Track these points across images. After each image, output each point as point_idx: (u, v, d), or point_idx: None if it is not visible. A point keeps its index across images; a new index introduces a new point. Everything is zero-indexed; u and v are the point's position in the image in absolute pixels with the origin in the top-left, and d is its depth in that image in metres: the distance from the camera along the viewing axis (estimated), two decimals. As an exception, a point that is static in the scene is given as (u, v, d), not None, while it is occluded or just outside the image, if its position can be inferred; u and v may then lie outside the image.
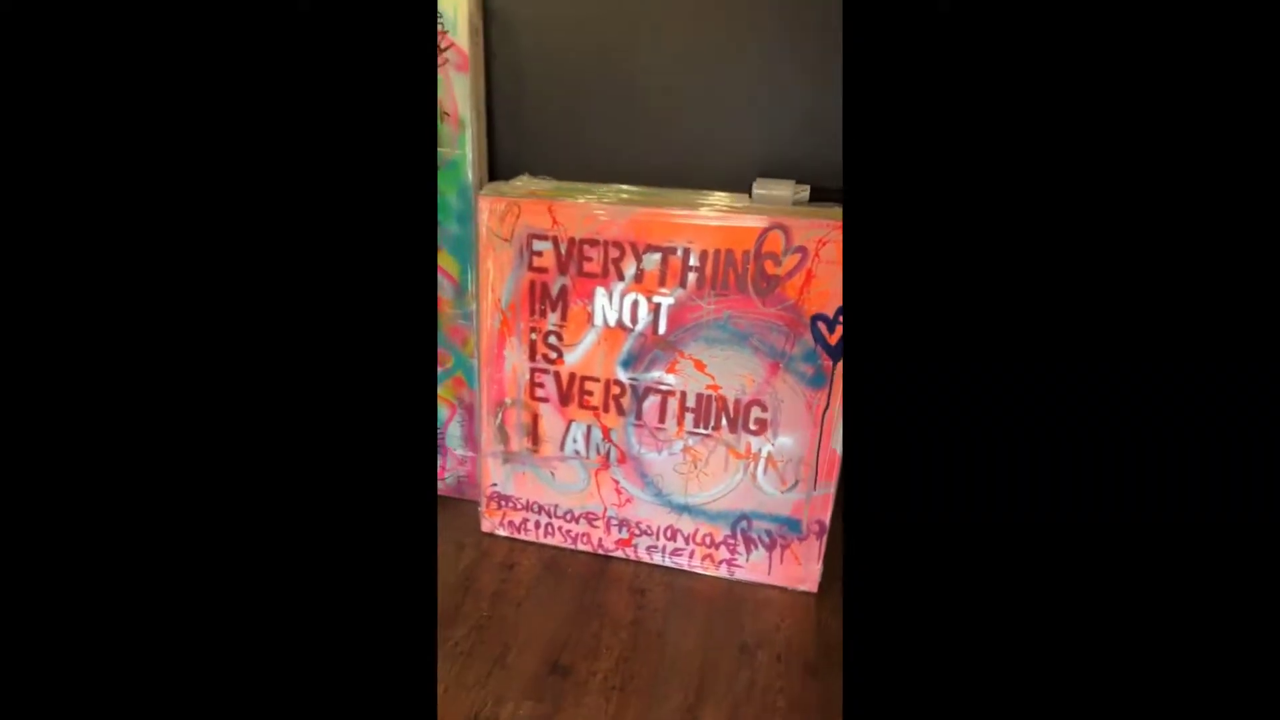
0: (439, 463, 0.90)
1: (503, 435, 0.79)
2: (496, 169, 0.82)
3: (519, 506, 0.81)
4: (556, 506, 0.80)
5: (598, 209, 0.68)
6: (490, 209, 0.70)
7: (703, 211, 0.66)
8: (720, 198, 0.71)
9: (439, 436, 0.88)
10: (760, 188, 0.71)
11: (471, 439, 0.88)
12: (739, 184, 0.75)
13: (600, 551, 0.80)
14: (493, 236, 0.71)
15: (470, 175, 0.76)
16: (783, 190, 0.70)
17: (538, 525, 0.81)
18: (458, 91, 0.74)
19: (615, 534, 0.79)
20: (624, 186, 0.77)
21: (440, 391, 0.86)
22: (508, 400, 0.77)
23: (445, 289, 0.81)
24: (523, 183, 0.78)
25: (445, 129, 0.75)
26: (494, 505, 0.82)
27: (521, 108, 0.80)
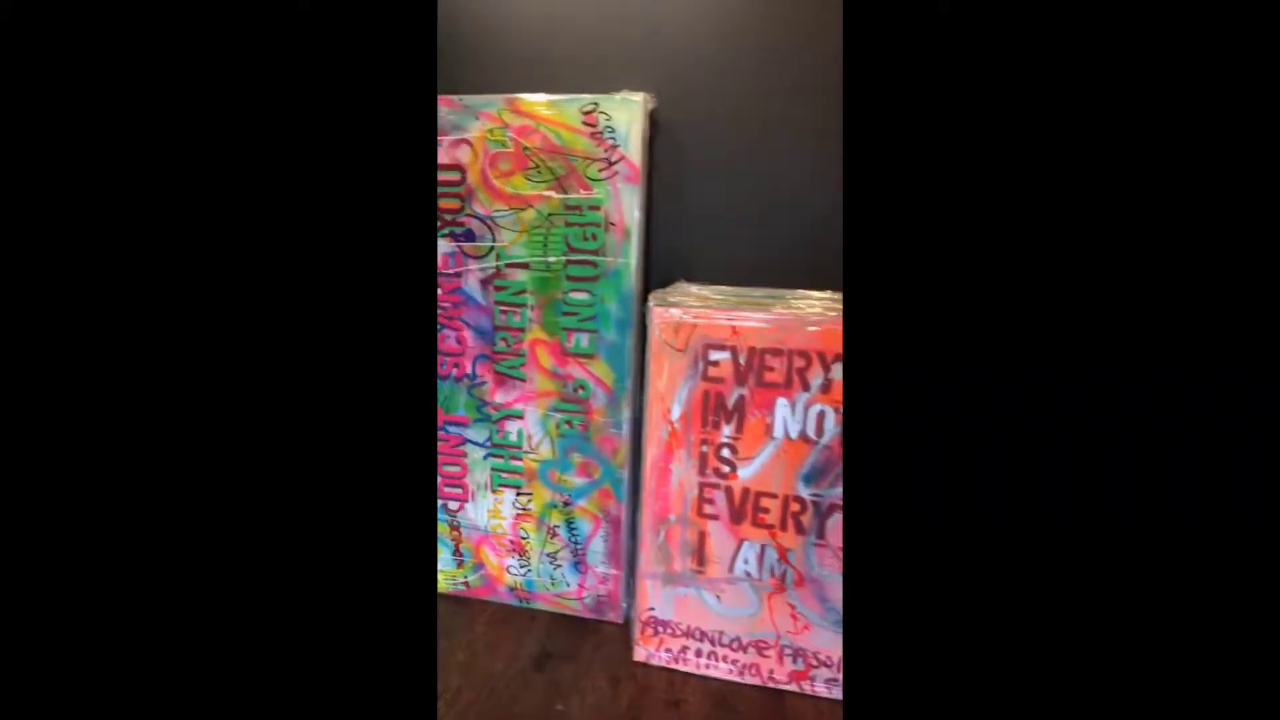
0: (578, 580, 0.84)
1: (664, 554, 0.73)
2: (651, 275, 0.80)
3: (678, 633, 0.75)
4: (722, 634, 0.73)
5: (782, 318, 0.65)
6: (665, 317, 0.68)
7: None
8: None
9: (580, 551, 0.83)
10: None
11: (615, 556, 0.82)
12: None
13: (771, 685, 0.72)
14: (665, 346, 0.69)
15: (633, 283, 0.75)
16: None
17: (699, 654, 0.74)
18: (625, 202, 0.74)
19: (789, 665, 0.72)
20: (781, 290, 0.76)
21: (585, 504, 0.82)
22: (672, 517, 0.72)
23: (598, 397, 0.79)
24: (681, 289, 0.77)
25: (611, 238, 0.74)
26: (650, 631, 0.75)
27: (679, 215, 0.80)
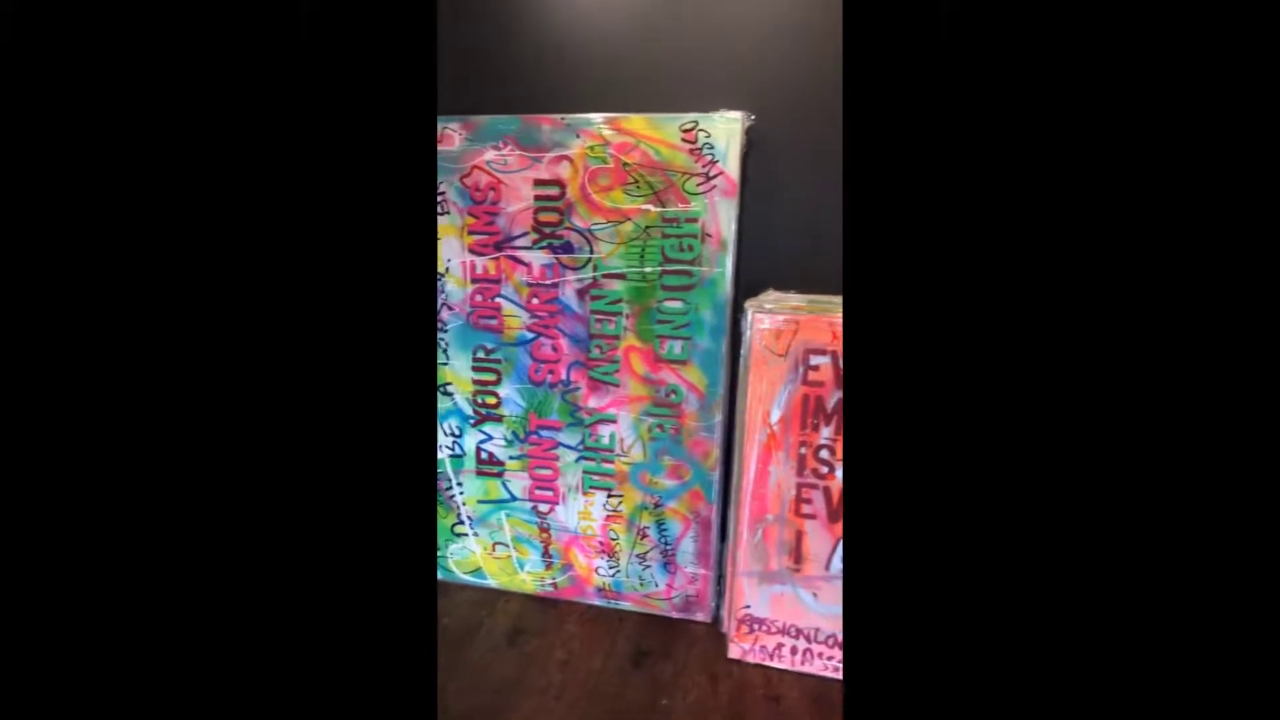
0: (667, 580, 0.87)
1: (761, 553, 0.76)
2: (739, 283, 0.84)
3: (773, 630, 0.77)
4: (817, 631, 0.75)
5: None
6: (766, 325, 0.71)
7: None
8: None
9: (670, 551, 0.86)
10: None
11: (705, 556, 0.85)
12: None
13: (867, 682, 0.74)
14: (766, 352, 0.72)
15: (728, 291, 0.78)
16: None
17: (794, 651, 0.76)
18: (722, 215, 0.77)
19: (885, 662, 0.73)
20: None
21: (675, 505, 0.85)
22: (769, 517, 0.75)
23: (690, 401, 0.82)
24: (771, 296, 0.80)
25: (707, 249, 0.78)
26: (745, 629, 0.78)
27: (769, 226, 0.83)
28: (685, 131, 0.76)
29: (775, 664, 0.77)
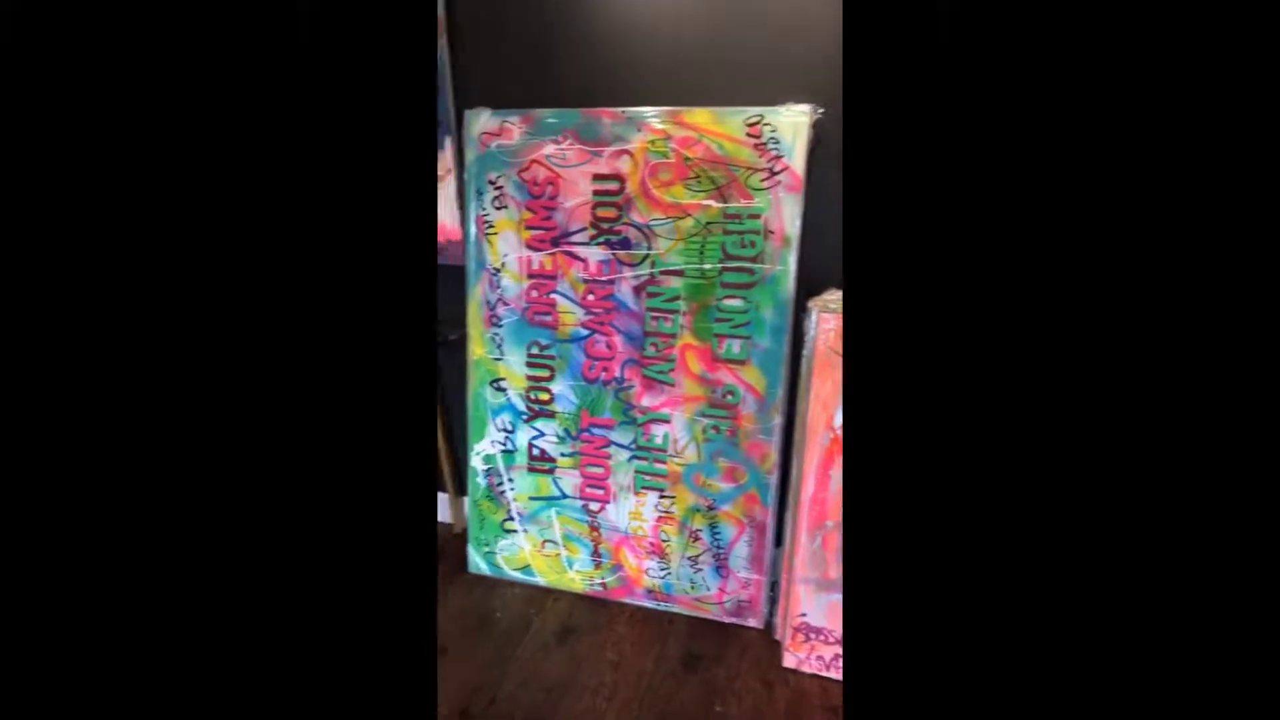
0: (720, 584, 0.85)
1: (820, 560, 0.74)
2: (803, 282, 0.81)
3: (831, 640, 0.75)
4: (878, 643, 0.73)
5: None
6: (832, 325, 0.69)
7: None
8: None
9: (723, 555, 0.84)
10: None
11: (758, 561, 0.83)
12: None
13: (929, 698, 0.72)
14: (831, 353, 0.70)
15: (791, 290, 0.76)
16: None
17: (852, 663, 0.74)
18: (786, 211, 0.75)
19: (950, 678, 0.71)
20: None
21: (730, 508, 0.83)
22: (829, 523, 0.73)
23: (748, 403, 0.80)
24: (835, 295, 0.77)
25: (769, 246, 0.76)
26: (800, 638, 0.76)
27: (834, 222, 0.81)
28: (750, 125, 0.74)
29: (831, 674, 0.75)
